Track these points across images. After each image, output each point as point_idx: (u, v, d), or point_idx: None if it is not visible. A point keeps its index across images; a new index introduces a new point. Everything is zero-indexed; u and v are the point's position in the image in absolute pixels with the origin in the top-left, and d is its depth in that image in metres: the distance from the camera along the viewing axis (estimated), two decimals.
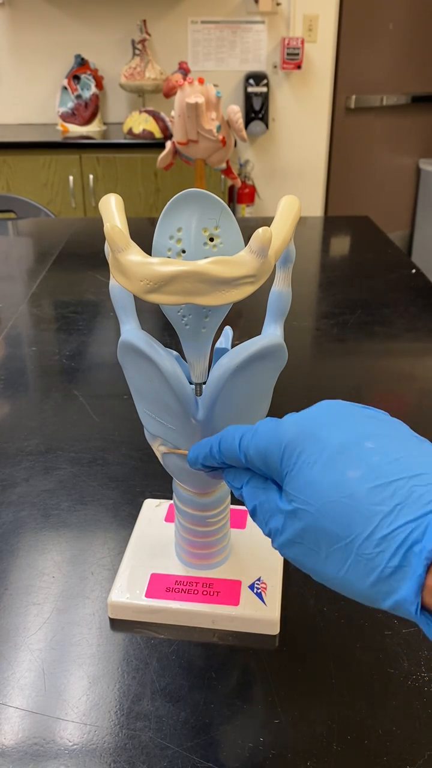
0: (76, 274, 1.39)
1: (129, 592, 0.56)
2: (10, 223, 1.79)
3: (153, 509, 0.65)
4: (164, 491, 0.70)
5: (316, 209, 3.40)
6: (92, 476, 0.74)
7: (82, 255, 1.50)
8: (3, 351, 1.04)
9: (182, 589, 0.56)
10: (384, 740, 0.46)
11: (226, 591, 0.56)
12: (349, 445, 0.35)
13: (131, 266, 0.40)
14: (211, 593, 0.56)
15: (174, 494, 0.55)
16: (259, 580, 0.57)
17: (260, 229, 0.39)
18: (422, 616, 0.32)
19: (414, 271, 1.38)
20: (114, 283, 0.49)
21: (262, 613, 0.54)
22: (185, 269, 0.38)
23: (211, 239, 0.43)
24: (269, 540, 0.56)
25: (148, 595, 0.56)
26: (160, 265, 0.39)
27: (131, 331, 0.48)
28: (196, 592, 0.56)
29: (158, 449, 0.52)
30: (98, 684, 0.50)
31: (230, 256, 0.40)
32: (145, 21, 3.01)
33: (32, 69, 3.14)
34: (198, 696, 0.49)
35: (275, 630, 0.54)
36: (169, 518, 0.64)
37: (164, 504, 0.66)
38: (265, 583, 0.57)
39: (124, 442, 0.79)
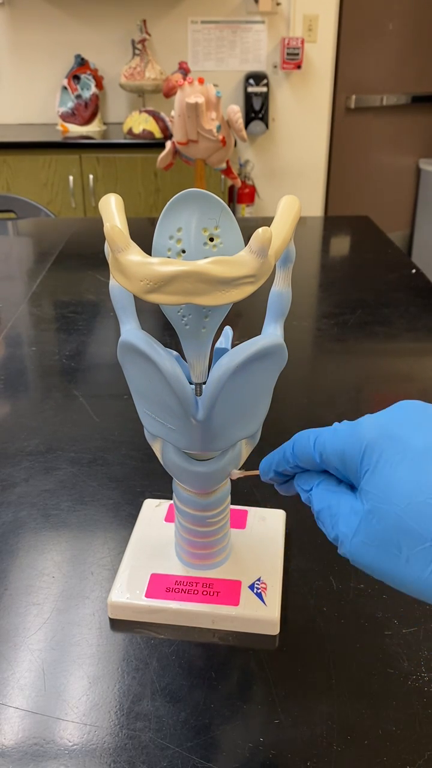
0: (76, 274, 1.39)
1: (129, 592, 0.56)
2: (10, 223, 1.79)
3: (153, 509, 0.65)
4: (164, 491, 0.70)
5: (316, 209, 3.40)
6: (92, 476, 0.74)
7: (82, 255, 1.50)
8: (3, 351, 1.04)
9: (182, 589, 0.56)
10: (384, 740, 0.46)
11: (226, 591, 0.56)
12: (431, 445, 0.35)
13: (131, 266, 0.40)
14: (211, 593, 0.56)
15: (174, 494, 0.55)
16: (259, 580, 0.57)
17: (260, 229, 0.39)
18: None
19: (414, 271, 1.38)
20: (114, 283, 0.49)
21: (262, 613, 0.54)
22: (185, 269, 0.38)
23: (211, 239, 0.43)
24: (269, 540, 0.56)
25: (148, 595, 0.56)
26: (160, 265, 0.39)
27: (131, 331, 0.48)
28: (196, 592, 0.56)
29: (232, 474, 0.51)
30: (98, 684, 0.50)
31: (230, 256, 0.40)
32: (145, 21, 3.01)
33: (32, 69, 3.14)
34: (198, 696, 0.49)
35: (275, 630, 0.54)
36: (169, 518, 0.64)
37: (164, 504, 0.66)
38: (265, 583, 0.57)
39: (124, 442, 0.79)
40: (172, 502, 0.61)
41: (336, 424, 0.40)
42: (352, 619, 0.55)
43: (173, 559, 0.59)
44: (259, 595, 0.56)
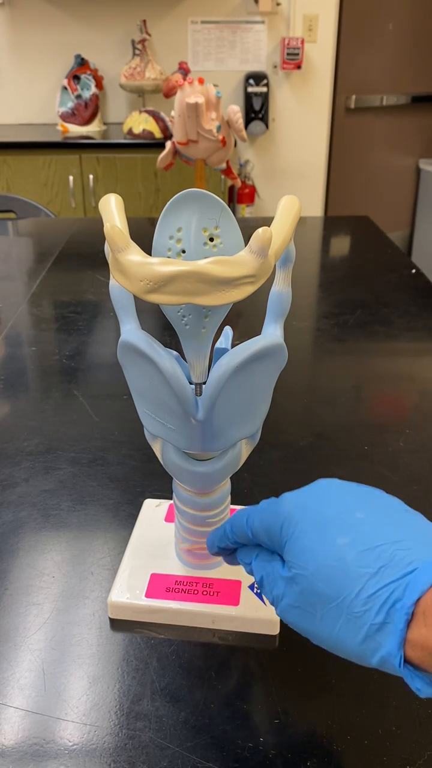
0: (76, 274, 1.39)
1: (129, 592, 0.56)
2: (10, 223, 1.79)
3: (153, 509, 0.65)
4: (164, 491, 0.70)
5: (316, 209, 3.40)
6: (92, 476, 0.74)
7: (82, 255, 1.50)
8: (3, 351, 1.04)
9: (182, 589, 0.56)
10: (384, 740, 0.46)
11: (225, 591, 0.56)
12: (340, 514, 0.39)
13: (131, 266, 0.40)
14: (211, 593, 0.56)
15: (174, 494, 0.55)
16: None
17: (260, 229, 0.39)
18: (405, 669, 0.35)
19: (414, 271, 1.38)
20: (114, 283, 0.49)
21: (261, 613, 0.54)
22: (185, 269, 0.38)
23: (211, 239, 0.43)
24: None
25: (148, 595, 0.56)
26: (160, 265, 0.39)
27: (131, 331, 0.48)
28: (196, 592, 0.56)
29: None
30: (98, 684, 0.50)
31: (230, 256, 0.40)
32: (145, 21, 3.01)
33: (32, 69, 3.14)
34: (198, 696, 0.49)
35: (275, 630, 0.54)
36: (169, 518, 0.64)
37: (164, 504, 0.66)
38: None
39: (124, 442, 0.79)
40: (172, 502, 0.61)
41: (263, 501, 0.44)
42: None
43: (173, 559, 0.59)
44: (259, 595, 0.56)
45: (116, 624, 0.55)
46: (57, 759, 0.45)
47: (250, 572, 0.45)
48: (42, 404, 0.90)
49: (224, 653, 0.53)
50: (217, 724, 0.47)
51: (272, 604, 0.42)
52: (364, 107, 3.34)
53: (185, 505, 0.54)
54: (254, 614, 0.54)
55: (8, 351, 1.04)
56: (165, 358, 0.45)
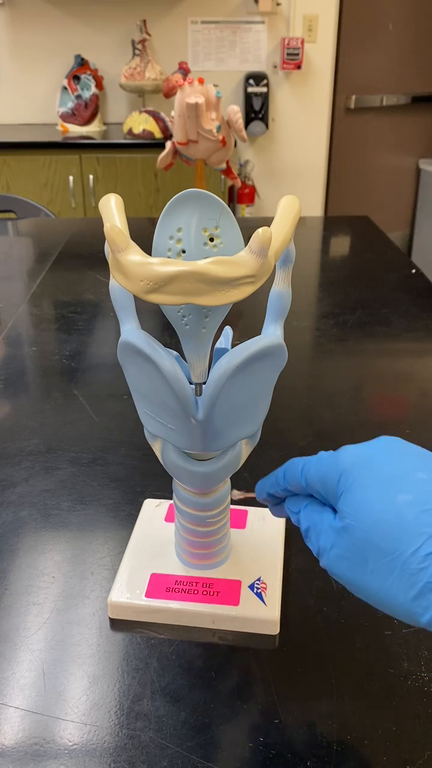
0: (76, 274, 1.39)
1: (129, 592, 0.56)
2: (10, 223, 1.79)
3: (153, 509, 0.65)
4: (164, 491, 0.70)
5: (316, 209, 3.40)
6: (92, 476, 0.74)
7: (82, 255, 1.50)
8: (3, 351, 1.04)
9: (182, 589, 0.56)
10: (384, 740, 0.46)
11: (226, 591, 0.56)
12: (402, 473, 0.39)
13: (131, 266, 0.40)
14: (211, 593, 0.56)
15: (174, 494, 0.55)
16: (259, 580, 0.57)
17: (260, 229, 0.39)
18: None
19: (414, 271, 1.38)
20: (114, 283, 0.49)
21: (262, 613, 0.54)
22: (185, 269, 0.38)
23: (211, 239, 0.43)
24: (269, 540, 0.57)
25: (148, 595, 0.56)
26: (160, 265, 0.39)
27: (131, 331, 0.48)
28: (196, 592, 0.56)
29: (233, 495, 0.52)
30: (98, 684, 0.50)
31: (230, 256, 0.40)
32: (145, 21, 3.01)
33: (32, 69, 3.14)
34: (198, 696, 0.49)
35: (275, 630, 0.54)
36: (169, 518, 0.64)
37: (164, 504, 0.66)
38: (265, 583, 0.57)
39: (124, 442, 0.79)
40: (172, 502, 0.61)
41: (321, 452, 0.44)
42: (352, 619, 0.55)
43: (173, 558, 0.59)
44: (259, 595, 0.56)
45: (116, 624, 0.55)
46: (57, 759, 0.45)
47: (297, 522, 0.45)
48: (42, 404, 0.90)
49: (224, 653, 0.53)
50: (217, 724, 0.47)
51: (317, 555, 0.42)
52: (364, 107, 3.34)
53: (185, 505, 0.54)
54: (254, 614, 0.54)
55: (8, 351, 1.04)
56: (165, 358, 0.45)
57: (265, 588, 0.56)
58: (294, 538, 0.63)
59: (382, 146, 3.51)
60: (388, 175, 3.59)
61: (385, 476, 0.39)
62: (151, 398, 0.49)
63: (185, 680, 0.50)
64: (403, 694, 0.49)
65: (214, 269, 0.39)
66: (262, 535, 0.62)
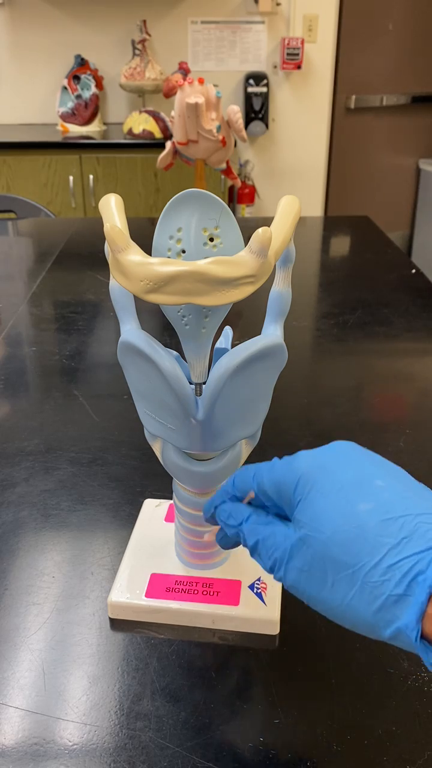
0: (76, 274, 1.39)
1: (129, 592, 0.56)
2: (10, 223, 1.79)
3: (153, 509, 0.65)
4: (164, 491, 0.70)
5: (316, 209, 3.40)
6: (92, 476, 0.74)
7: (82, 255, 1.50)
8: (3, 351, 1.04)
9: (182, 589, 0.56)
10: (384, 740, 0.46)
11: (226, 591, 0.56)
12: (361, 481, 0.38)
13: (131, 266, 0.40)
14: (211, 593, 0.56)
15: (174, 494, 0.55)
16: (258, 580, 0.57)
17: (260, 229, 0.39)
18: (422, 643, 0.34)
19: (414, 271, 1.38)
20: (114, 283, 0.49)
21: (262, 613, 0.54)
22: (185, 269, 0.38)
23: (211, 239, 0.43)
24: None
25: (148, 595, 0.56)
26: (159, 265, 0.39)
27: (131, 331, 0.48)
28: (196, 592, 0.56)
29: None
30: (98, 684, 0.50)
31: (230, 256, 0.40)
32: (145, 21, 3.01)
33: (32, 69, 3.14)
34: (198, 696, 0.49)
35: (275, 630, 0.54)
36: (169, 518, 0.64)
37: (164, 504, 0.66)
38: (265, 583, 0.57)
39: (124, 442, 0.79)
40: (172, 502, 0.61)
41: (275, 459, 0.42)
42: None
43: (173, 558, 0.59)
44: (259, 595, 0.56)
45: (116, 624, 0.55)
46: (57, 759, 0.45)
47: (235, 534, 0.43)
48: (42, 404, 0.90)
49: (224, 653, 0.53)
50: (217, 724, 0.47)
51: (270, 569, 0.40)
52: (364, 107, 3.34)
53: (185, 505, 0.54)
54: (254, 614, 0.54)
55: (8, 351, 1.04)
56: (165, 358, 0.45)
57: (265, 588, 0.56)
58: None
59: (382, 146, 3.51)
60: (388, 175, 3.59)
61: (344, 483, 0.38)
62: (150, 398, 0.49)
63: (185, 680, 0.50)
64: (403, 694, 0.49)
65: (213, 269, 0.39)
66: None
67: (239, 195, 3.15)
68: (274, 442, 0.79)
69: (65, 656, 0.52)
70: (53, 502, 0.70)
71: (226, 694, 0.49)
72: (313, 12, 3.06)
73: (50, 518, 0.67)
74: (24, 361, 1.02)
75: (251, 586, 0.56)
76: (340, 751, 0.45)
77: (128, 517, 0.67)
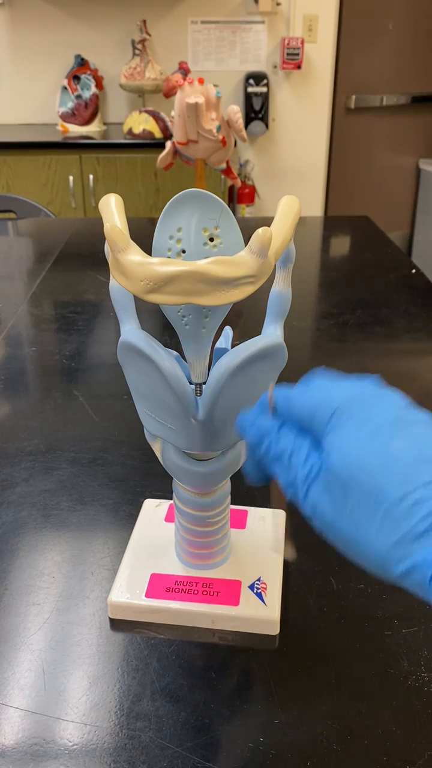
0: (76, 274, 1.39)
1: (129, 592, 0.56)
2: (10, 223, 1.79)
3: (153, 509, 0.65)
4: (164, 491, 0.70)
5: (316, 209, 3.40)
6: (92, 476, 0.74)
7: (82, 255, 1.50)
8: (3, 351, 1.04)
9: (182, 589, 0.56)
10: (384, 740, 0.46)
11: (226, 591, 0.56)
12: (400, 421, 0.37)
13: (131, 266, 0.40)
14: (211, 593, 0.56)
15: (174, 494, 0.55)
16: (259, 580, 0.57)
17: (260, 229, 0.39)
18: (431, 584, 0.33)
19: (414, 271, 1.38)
20: (114, 283, 0.49)
21: (262, 613, 0.54)
22: (185, 269, 0.38)
23: (211, 239, 0.43)
24: (269, 540, 0.56)
25: (148, 595, 0.56)
26: (160, 266, 0.39)
27: (131, 331, 0.48)
28: (196, 592, 0.56)
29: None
30: (98, 684, 0.50)
31: (230, 256, 0.40)
32: (145, 21, 3.01)
33: (32, 69, 3.14)
34: (198, 696, 0.49)
35: (275, 630, 0.54)
36: (169, 518, 0.64)
37: (164, 504, 0.66)
38: (265, 583, 0.57)
39: (124, 442, 0.79)
40: (172, 502, 0.61)
41: (309, 378, 0.41)
42: (352, 619, 0.55)
43: (173, 559, 0.59)
44: (259, 595, 0.56)
45: (116, 624, 0.55)
46: (57, 759, 0.45)
47: (269, 445, 0.41)
48: (42, 404, 0.90)
49: (224, 653, 0.53)
50: (217, 724, 0.47)
51: (292, 483, 0.39)
52: (364, 107, 3.34)
53: (185, 505, 0.54)
54: (254, 614, 0.54)
55: (8, 351, 1.04)
56: (165, 358, 0.45)
57: (265, 588, 0.56)
58: (294, 538, 0.63)
59: (382, 146, 3.51)
60: (388, 175, 3.59)
61: (383, 420, 0.37)
62: (150, 398, 0.49)
63: (185, 680, 0.50)
64: (403, 694, 0.49)
65: (213, 269, 0.39)
66: (262, 535, 0.62)
67: (239, 195, 3.15)
68: None
69: (65, 656, 0.52)
70: (53, 502, 0.70)
71: (226, 694, 0.49)
72: (313, 12, 3.06)
73: (50, 518, 0.67)
74: (24, 361, 1.02)
75: (251, 587, 0.56)
76: (340, 751, 0.45)
77: (128, 517, 0.67)
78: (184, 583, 0.57)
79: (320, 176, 3.35)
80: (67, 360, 1.00)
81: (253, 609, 0.55)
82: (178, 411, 0.47)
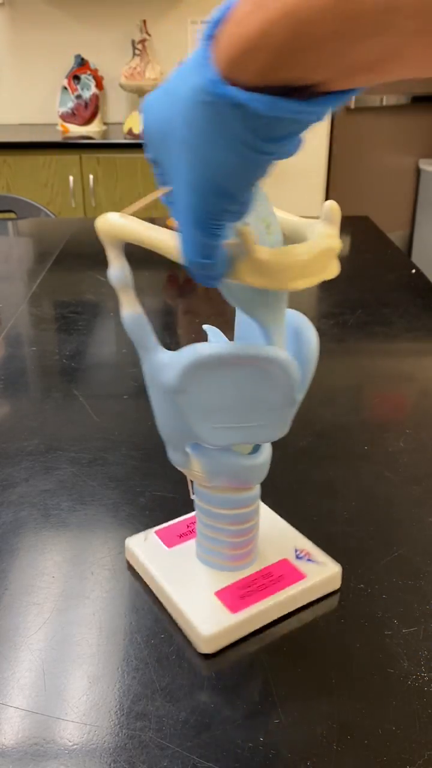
0: (76, 274, 1.39)
1: (215, 620, 0.53)
2: (10, 223, 1.79)
3: (144, 543, 0.61)
4: (164, 491, 0.70)
5: (316, 209, 3.39)
6: (92, 476, 0.74)
7: (82, 255, 1.50)
8: (3, 351, 1.04)
9: (253, 591, 0.55)
10: (384, 740, 0.46)
11: (284, 572, 0.56)
12: None
13: (276, 260, 0.39)
14: (276, 580, 0.56)
15: (210, 508, 0.54)
16: (296, 550, 0.58)
17: (330, 202, 0.42)
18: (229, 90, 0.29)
19: (414, 271, 1.38)
20: (128, 314, 0.47)
21: (326, 572, 0.56)
22: (322, 248, 0.40)
23: (268, 226, 0.43)
24: (272, 523, 0.55)
25: (233, 610, 0.53)
26: (300, 252, 0.39)
27: (204, 345, 0.44)
28: (264, 587, 0.56)
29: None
30: (98, 684, 0.50)
31: (280, 240, 0.41)
32: (145, 21, 3.01)
33: (32, 69, 3.14)
34: (198, 696, 0.49)
35: (338, 583, 0.57)
36: (170, 543, 0.61)
37: (150, 533, 0.62)
38: (303, 550, 0.58)
39: (124, 442, 0.79)
40: (158, 528, 0.61)
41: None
42: (352, 619, 0.55)
43: (213, 573, 0.57)
44: (310, 561, 0.57)
45: (116, 624, 0.55)
46: (57, 759, 0.45)
47: None
48: (42, 404, 0.90)
49: (224, 653, 0.53)
50: (217, 724, 0.47)
51: None
52: (364, 107, 3.34)
53: (233, 508, 0.53)
54: (321, 576, 0.56)
55: (8, 351, 1.04)
56: (270, 349, 0.44)
57: (308, 553, 0.58)
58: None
59: (382, 146, 3.51)
60: (388, 175, 3.59)
61: None
62: (232, 408, 0.46)
63: (185, 680, 0.50)
64: (403, 694, 0.49)
65: (335, 243, 0.41)
66: (264, 522, 0.61)
67: None
68: (274, 442, 0.79)
69: (65, 656, 0.52)
70: (53, 502, 0.70)
71: (226, 694, 0.49)
72: None
73: (50, 518, 0.67)
74: (24, 361, 1.02)
75: (298, 558, 0.57)
76: (340, 751, 0.45)
77: (128, 517, 0.67)
78: (249, 586, 0.56)
79: (320, 176, 3.35)
80: (67, 360, 1.00)
81: (317, 573, 0.56)
82: (278, 401, 0.45)
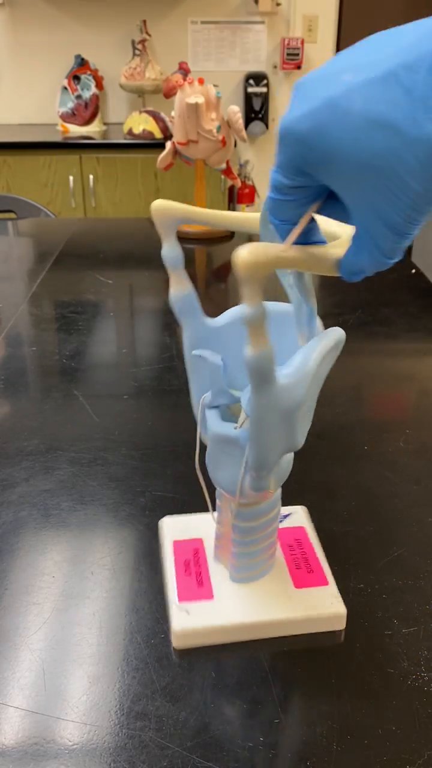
0: (76, 274, 1.39)
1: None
2: (10, 223, 1.79)
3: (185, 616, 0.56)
4: (164, 491, 0.70)
5: None
6: (92, 476, 0.74)
7: (82, 255, 1.50)
8: (3, 351, 1.04)
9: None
10: (384, 740, 0.46)
11: (312, 567, 0.58)
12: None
13: (329, 252, 0.43)
14: (307, 569, 0.58)
15: (242, 523, 0.53)
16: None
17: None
18: None
19: (414, 271, 1.38)
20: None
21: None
22: (348, 234, 0.42)
23: None
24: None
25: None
26: (336, 245, 0.43)
27: (311, 349, 0.50)
28: (299, 567, 0.58)
29: None
30: (98, 684, 0.50)
31: None
32: (145, 21, 3.02)
33: (32, 69, 3.14)
34: (198, 696, 0.49)
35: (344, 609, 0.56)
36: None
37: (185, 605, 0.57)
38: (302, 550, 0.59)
39: (124, 442, 0.79)
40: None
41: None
42: (352, 618, 0.55)
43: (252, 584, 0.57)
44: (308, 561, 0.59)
45: (116, 624, 0.55)
46: (57, 759, 0.45)
47: None
48: (42, 404, 0.90)
49: (224, 653, 0.53)
50: (217, 724, 0.47)
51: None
52: None
53: (261, 516, 0.53)
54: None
55: (8, 351, 1.04)
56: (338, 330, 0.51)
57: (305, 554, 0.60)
58: None
59: None
60: None
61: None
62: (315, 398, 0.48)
63: (185, 680, 0.50)
64: (403, 694, 0.49)
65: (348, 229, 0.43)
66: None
67: (239, 195, 3.15)
68: None
69: (65, 656, 0.52)
70: (53, 502, 0.70)
71: (226, 694, 0.49)
72: (313, 12, 3.06)
73: (50, 518, 0.67)
74: (24, 361, 1.02)
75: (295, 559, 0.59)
76: (340, 751, 0.45)
77: (128, 517, 0.67)
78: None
79: None
80: (67, 360, 1.00)
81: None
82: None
